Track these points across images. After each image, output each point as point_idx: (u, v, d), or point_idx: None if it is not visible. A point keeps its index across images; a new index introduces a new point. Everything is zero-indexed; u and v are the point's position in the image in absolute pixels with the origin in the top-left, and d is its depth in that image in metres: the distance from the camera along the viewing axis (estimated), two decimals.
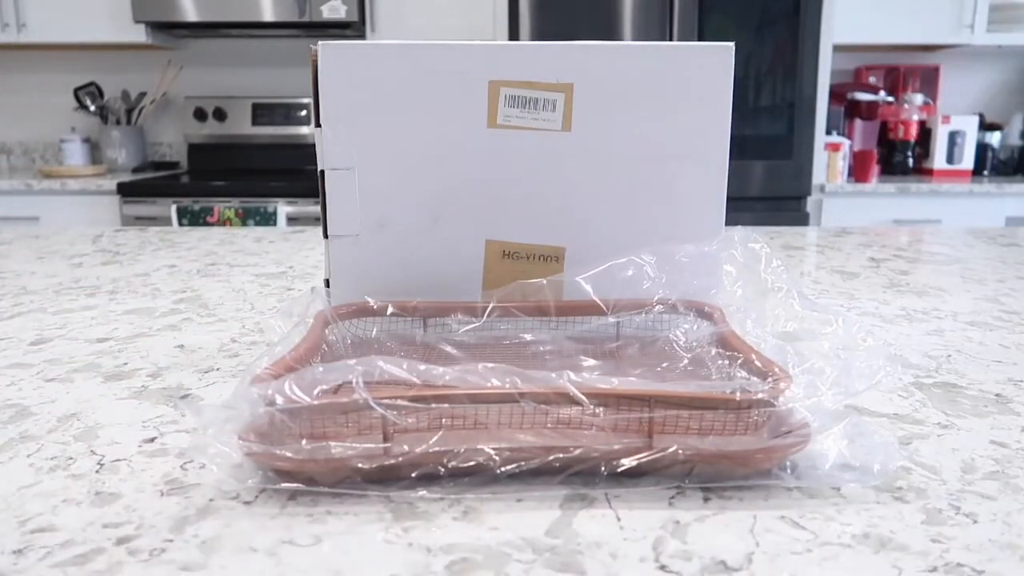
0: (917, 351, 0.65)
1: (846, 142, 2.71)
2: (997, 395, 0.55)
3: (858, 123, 2.96)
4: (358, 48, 0.59)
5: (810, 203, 2.58)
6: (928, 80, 3.03)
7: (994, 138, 2.93)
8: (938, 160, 2.77)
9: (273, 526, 0.37)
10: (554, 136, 0.60)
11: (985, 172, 2.93)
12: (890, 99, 2.95)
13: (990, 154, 2.92)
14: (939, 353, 0.65)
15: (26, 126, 3.15)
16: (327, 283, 0.64)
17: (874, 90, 2.96)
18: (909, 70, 3.02)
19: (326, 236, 0.62)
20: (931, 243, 1.25)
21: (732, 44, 0.59)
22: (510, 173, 0.61)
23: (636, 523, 0.37)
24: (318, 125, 0.59)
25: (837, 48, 2.67)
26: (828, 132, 2.67)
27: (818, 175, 2.57)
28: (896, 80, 3.02)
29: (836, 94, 2.91)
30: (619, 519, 0.37)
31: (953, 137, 2.76)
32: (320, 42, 0.59)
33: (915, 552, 0.35)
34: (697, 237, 0.64)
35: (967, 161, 2.77)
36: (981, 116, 2.90)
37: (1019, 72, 3.11)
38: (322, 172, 0.59)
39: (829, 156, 2.65)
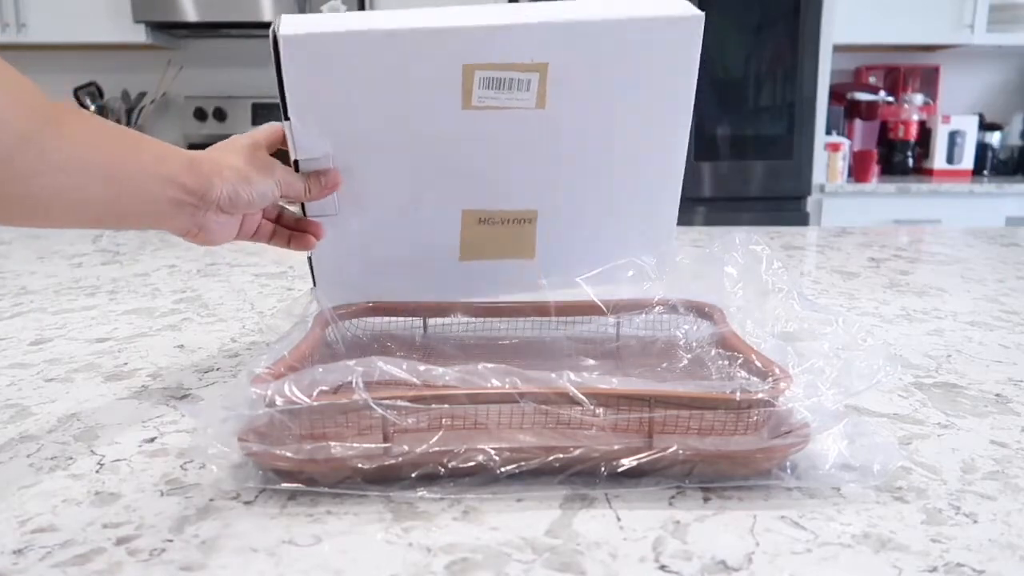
0: (917, 351, 0.65)
1: (846, 142, 2.71)
2: (997, 395, 0.55)
3: (858, 123, 2.96)
4: (324, 39, 0.54)
5: (810, 203, 2.57)
6: (928, 80, 3.03)
7: (994, 138, 2.93)
8: (938, 160, 2.77)
9: (273, 526, 0.37)
10: (528, 113, 0.59)
11: (985, 172, 2.92)
12: (890, 99, 2.95)
13: (990, 154, 2.92)
14: (939, 353, 0.65)
15: None
16: (309, 260, 0.65)
17: (874, 90, 2.96)
18: (909, 70, 3.02)
19: (304, 216, 0.62)
20: (931, 243, 1.25)
21: (702, 14, 0.57)
22: (485, 151, 0.61)
23: (636, 523, 0.37)
24: (286, 118, 0.56)
25: (837, 48, 2.67)
26: (828, 132, 2.66)
27: (818, 175, 2.57)
28: (896, 80, 3.02)
29: (836, 94, 2.91)
30: (619, 519, 0.37)
31: (953, 137, 2.76)
32: (281, 31, 0.53)
33: (915, 552, 0.35)
34: (658, 199, 0.66)
35: (967, 161, 2.77)
36: (981, 116, 2.89)
37: (1019, 72, 3.11)
38: (296, 161, 0.58)
39: (829, 156, 2.65)
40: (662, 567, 0.34)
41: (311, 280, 0.66)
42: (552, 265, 0.65)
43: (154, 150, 0.48)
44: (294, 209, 0.63)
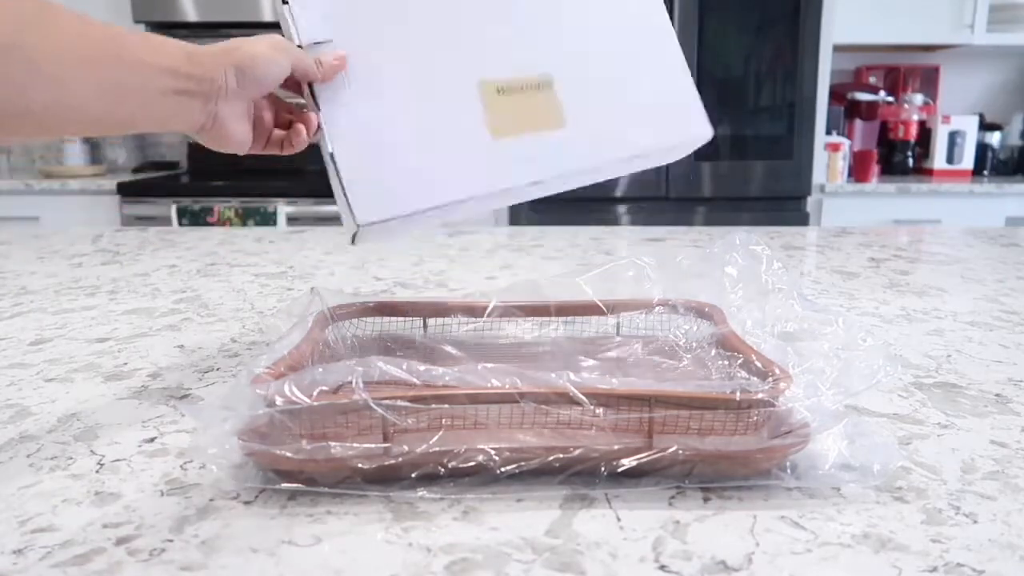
0: (917, 351, 0.65)
1: (846, 142, 2.71)
2: (997, 395, 0.55)
3: (858, 123, 2.96)
4: None
5: (810, 203, 2.57)
6: (928, 80, 3.03)
7: (994, 138, 2.93)
8: (938, 160, 2.77)
9: (273, 526, 0.37)
10: None
11: (985, 172, 2.92)
12: (890, 99, 2.95)
13: (990, 154, 2.92)
14: (939, 353, 0.65)
15: None
16: (336, 172, 0.59)
17: (874, 90, 2.96)
18: (909, 70, 3.02)
19: (317, 108, 0.59)
20: (931, 243, 1.25)
21: None
22: (488, 10, 0.61)
23: (636, 523, 0.37)
24: (284, 2, 0.56)
25: (837, 48, 2.66)
26: (828, 132, 2.66)
27: (818, 175, 2.57)
28: (896, 80, 3.02)
29: (836, 94, 2.91)
30: (619, 519, 0.37)
31: (953, 137, 2.76)
32: None
33: (915, 552, 0.35)
34: (659, 53, 0.66)
35: (967, 161, 2.77)
36: (981, 116, 2.89)
37: (1019, 72, 3.11)
38: (299, 46, 0.58)
39: (829, 156, 2.65)
40: (662, 567, 0.34)
41: (340, 192, 0.59)
42: (584, 131, 0.63)
43: (149, 44, 0.46)
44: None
